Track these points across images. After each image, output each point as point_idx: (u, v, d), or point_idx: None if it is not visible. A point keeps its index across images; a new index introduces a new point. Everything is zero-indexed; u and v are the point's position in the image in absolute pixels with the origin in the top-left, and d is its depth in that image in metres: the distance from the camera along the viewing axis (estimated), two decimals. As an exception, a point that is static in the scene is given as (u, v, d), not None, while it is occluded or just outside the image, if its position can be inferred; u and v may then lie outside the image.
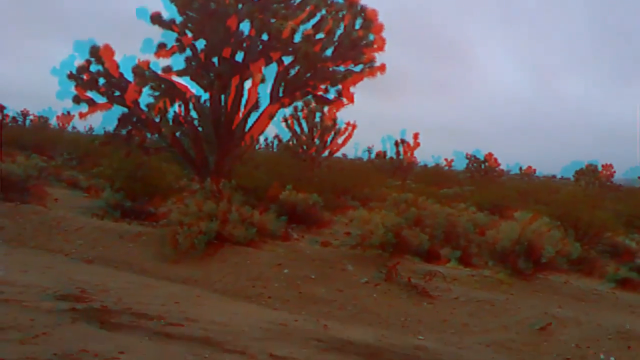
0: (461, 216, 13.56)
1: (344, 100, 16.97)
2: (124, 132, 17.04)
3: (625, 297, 10.14)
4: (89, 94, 16.60)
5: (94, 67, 16.45)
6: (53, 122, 51.96)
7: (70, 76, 16.43)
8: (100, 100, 16.66)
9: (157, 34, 16.53)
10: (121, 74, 16.57)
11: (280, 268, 10.23)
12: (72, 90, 16.56)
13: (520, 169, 57.91)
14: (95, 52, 16.37)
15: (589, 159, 50.43)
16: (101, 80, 16.47)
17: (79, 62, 16.63)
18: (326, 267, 10.33)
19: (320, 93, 16.89)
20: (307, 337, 6.88)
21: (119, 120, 16.92)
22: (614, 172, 47.56)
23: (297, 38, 15.98)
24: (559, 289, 10.43)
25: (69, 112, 46.25)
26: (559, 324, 8.24)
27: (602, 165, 46.30)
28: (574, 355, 7.55)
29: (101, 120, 18.87)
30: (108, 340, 5.82)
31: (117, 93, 16.56)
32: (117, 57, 16.65)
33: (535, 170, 58.43)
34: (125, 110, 16.72)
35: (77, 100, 16.56)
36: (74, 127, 51.45)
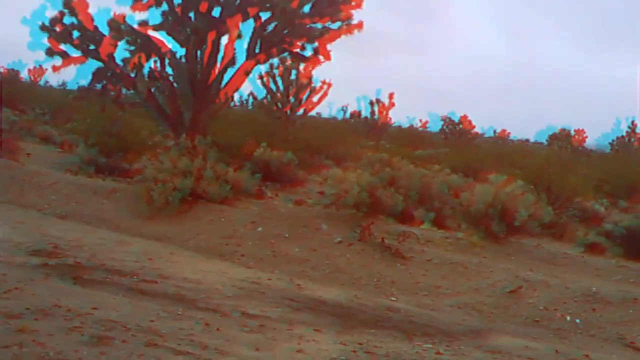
0: (435, 178, 13.58)
1: (321, 57, 16.85)
2: (98, 86, 16.78)
3: (593, 261, 10.30)
4: (63, 46, 16.30)
5: (67, 19, 16.08)
6: (24, 74, 51.04)
7: (43, 28, 16.08)
8: (74, 53, 16.34)
9: (133, -14, 16.24)
10: (96, 27, 16.26)
11: (254, 226, 10.25)
12: (45, 42, 16.23)
13: (495, 132, 58.31)
14: (69, 4, 16.02)
15: (563, 123, 50.86)
16: (75, 33, 16.14)
17: (51, 12, 16.29)
18: (300, 226, 10.36)
19: (296, 50, 16.74)
20: (280, 296, 6.92)
21: (94, 74, 16.64)
22: (586, 137, 48.11)
23: (275, -6, 15.79)
24: (531, 253, 10.58)
25: (41, 65, 45.80)
26: (529, 287, 8.37)
27: (575, 131, 46.78)
28: (542, 318, 7.68)
29: (75, 74, 18.63)
30: (81, 296, 5.82)
31: (92, 46, 16.25)
32: (92, 10, 16.29)
33: (509, 133, 58.88)
34: (100, 64, 16.43)
35: (50, 52, 16.24)
36: (46, 81, 50.50)
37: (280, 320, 5.93)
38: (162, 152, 14.88)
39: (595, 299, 7.97)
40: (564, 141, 43.65)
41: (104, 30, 16.11)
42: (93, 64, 16.49)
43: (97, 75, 16.64)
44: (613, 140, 45.68)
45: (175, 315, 5.59)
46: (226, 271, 8.06)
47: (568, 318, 7.64)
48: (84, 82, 17.24)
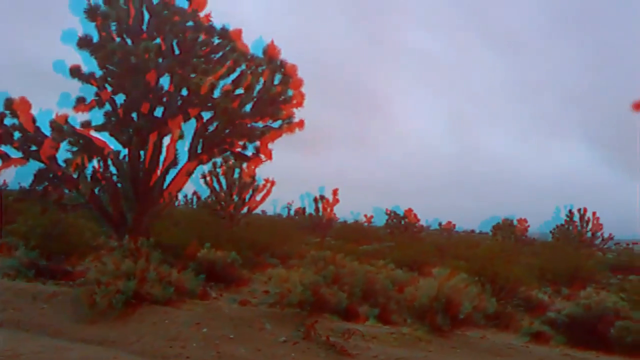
0: (380, 273, 13.70)
1: (262, 157, 17.11)
2: (40, 188, 16.67)
3: (537, 350, 10.39)
4: (3, 148, 16.24)
5: (8, 121, 16.11)
6: (-38, 176, 50.05)
7: (-18, 130, 16.06)
8: (15, 155, 16.30)
9: (75, 87, 16.39)
10: (37, 128, 16.29)
11: (199, 327, 10.13)
12: (-16, 143, 16.17)
13: (440, 224, 59.01)
14: (10, 105, 16.06)
15: (506, 213, 51.84)
16: (16, 135, 16.14)
17: (-9, 114, 16.30)
18: (245, 326, 10.27)
19: (238, 149, 16.99)
20: (225, 400, 6.83)
21: (35, 176, 16.56)
22: (529, 226, 49.03)
23: (217, 93, 16.11)
24: (476, 345, 10.61)
25: (-21, 166, 45.10)
26: (475, 380, 8.41)
27: (518, 220, 47.69)
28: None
29: (15, 176, 18.44)
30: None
31: (33, 148, 16.24)
32: (33, 111, 16.36)
33: (454, 225, 59.63)
34: (42, 165, 16.38)
35: (-10, 154, 16.18)
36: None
37: None
38: (105, 254, 14.71)
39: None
40: (507, 231, 44.48)
41: (46, 131, 16.14)
42: (34, 165, 16.44)
43: (38, 176, 16.56)
44: (554, 228, 46.79)
45: None
46: (170, 375, 7.93)
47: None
48: (25, 183, 17.11)
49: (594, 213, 46.45)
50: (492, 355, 10.05)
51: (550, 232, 46.83)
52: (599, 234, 46.46)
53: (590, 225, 46.27)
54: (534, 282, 17.68)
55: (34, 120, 16.31)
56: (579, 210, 46.25)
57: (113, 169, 16.65)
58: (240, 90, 16.31)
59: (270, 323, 10.44)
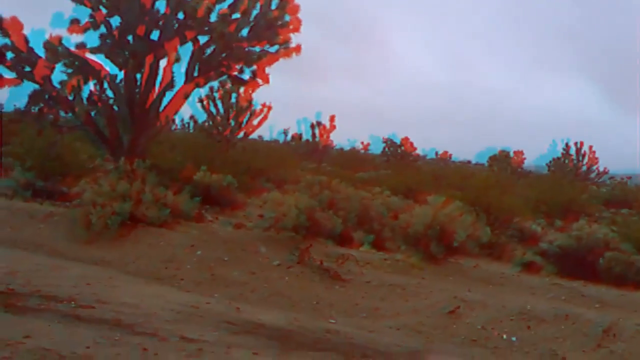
0: (375, 200, 13.73)
1: (259, 80, 16.99)
2: (35, 109, 16.55)
3: (529, 280, 10.54)
4: (-5, 68, 16.07)
5: (0, 41, 15.90)
6: (-45, 95, 49.65)
7: (-26, 49, 15.84)
8: (8, 75, 16.11)
9: (69, 8, 16.13)
10: (30, 49, 16.04)
11: (193, 250, 10.23)
12: (-24, 63, 15.97)
13: (436, 153, 59.10)
14: (1, 25, 15.81)
15: (503, 145, 51.81)
16: (9, 55, 15.93)
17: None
18: (239, 249, 10.37)
19: (235, 73, 16.83)
20: (219, 320, 6.91)
21: (30, 96, 16.40)
22: (525, 158, 49.10)
23: (213, 17, 15.86)
24: (469, 273, 10.75)
25: (-27, 87, 44.69)
26: (467, 307, 8.53)
27: (514, 152, 47.70)
28: (480, 337, 7.85)
29: (9, 96, 18.30)
30: (13, 324, 5.71)
31: (27, 68, 16.03)
32: (25, 31, 16.09)
33: (451, 155, 59.73)
34: (36, 86, 16.23)
35: (-19, 74, 16.00)
36: (-22, 103, 49.26)
37: (218, 343, 5.92)
38: (101, 176, 14.73)
39: (530, 316, 8.18)
40: (503, 162, 44.45)
41: (40, 51, 15.94)
42: (28, 86, 16.27)
43: (33, 97, 16.40)
44: (550, 161, 46.88)
45: (113, 341, 5.53)
46: (165, 295, 8.00)
47: (504, 336, 7.83)
48: (20, 104, 16.98)
49: (590, 147, 46.53)
50: (484, 284, 10.19)
51: (546, 165, 46.97)
52: (594, 167, 46.58)
53: (586, 159, 46.37)
54: (528, 213, 17.82)
55: (26, 40, 16.04)
56: (575, 143, 46.28)
57: (109, 92, 16.51)
58: (236, 15, 16.06)
59: (264, 246, 10.54)
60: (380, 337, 7.43)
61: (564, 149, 46.33)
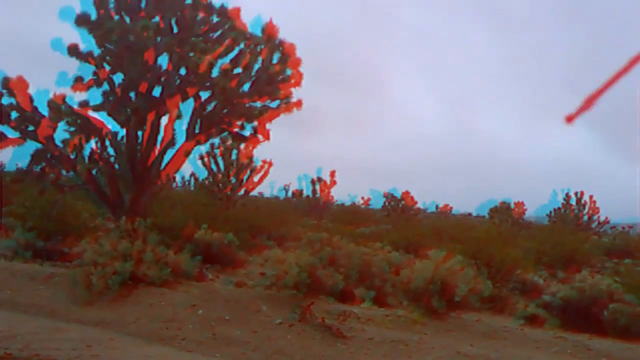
0: (376, 255, 13.73)
1: (260, 137, 17.10)
2: (37, 168, 16.64)
3: (532, 333, 10.45)
4: (0, 127, 16.21)
5: (5, 100, 16.01)
6: (-42, 156, 49.74)
7: (-21, 109, 16.00)
8: (12, 134, 16.25)
9: (73, 66, 16.28)
10: (35, 108, 16.21)
11: (195, 309, 10.18)
12: (-19, 123, 16.11)
13: (437, 207, 58.97)
14: (7, 84, 15.97)
15: (504, 196, 51.77)
16: (13, 114, 16.09)
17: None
18: (240, 308, 10.32)
19: (236, 129, 16.95)
20: (220, 381, 6.87)
21: (32, 156, 16.49)
22: (526, 209, 49.01)
23: (215, 73, 16.03)
24: (471, 327, 10.67)
25: (-23, 147, 44.90)
26: (469, 363, 8.46)
27: (515, 203, 47.65)
28: (483, 394, 7.77)
29: (11, 156, 18.43)
30: (13, 390, 5.68)
31: (31, 128, 16.17)
32: (31, 90, 16.26)
33: (451, 208, 59.55)
34: (39, 145, 16.35)
35: (-14, 134, 16.13)
36: (-18, 163, 49.42)
37: (220, 406, 5.88)
38: (102, 235, 14.74)
39: (534, 372, 8.11)
40: (504, 214, 44.42)
41: (44, 110, 16.09)
42: (31, 146, 16.38)
43: (35, 157, 16.50)
44: (550, 212, 46.84)
45: (112, 405, 5.50)
46: (167, 356, 7.96)
47: (508, 393, 7.75)
48: (22, 164, 17.07)
49: (590, 196, 46.49)
50: (487, 338, 10.11)
51: (547, 215, 46.88)
52: (595, 217, 46.51)
53: (586, 209, 46.33)
54: (530, 265, 17.75)
55: (31, 100, 16.22)
56: (576, 193, 46.28)
57: (111, 150, 16.61)
58: (238, 70, 16.22)
59: (266, 305, 10.49)
60: (383, 395, 7.37)
61: (564, 199, 46.33)
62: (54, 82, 17.24)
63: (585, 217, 46.08)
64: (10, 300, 10.71)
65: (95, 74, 16.15)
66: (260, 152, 50.10)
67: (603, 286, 11.76)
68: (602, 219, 46.65)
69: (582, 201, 46.26)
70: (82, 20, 15.97)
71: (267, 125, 17.06)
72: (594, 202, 46.55)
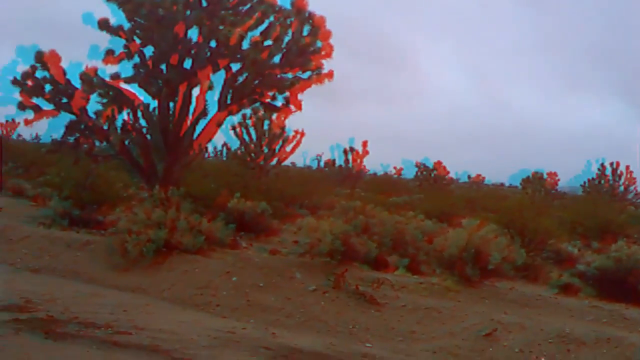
0: (409, 224, 13.67)
1: (292, 107, 17.07)
2: (71, 139, 16.82)
3: (566, 302, 10.35)
4: (35, 100, 16.35)
5: (39, 73, 16.19)
6: (-4, 129, 50.41)
7: (15, 82, 16.15)
8: (47, 106, 16.42)
9: (104, 40, 16.39)
10: (68, 81, 16.37)
11: (229, 276, 10.23)
12: (16, 96, 16.29)
13: (469, 177, 58.64)
14: (41, 58, 16.13)
15: (536, 167, 51.24)
16: (47, 87, 16.25)
17: (22, 68, 16.43)
18: (274, 275, 10.36)
19: (267, 100, 16.94)
20: (256, 345, 6.91)
21: (67, 127, 16.70)
22: (559, 179, 48.55)
23: (245, 45, 15.99)
24: (505, 295, 10.60)
25: (13, 120, 45.46)
26: (504, 330, 8.41)
27: (548, 174, 47.19)
28: (518, 360, 7.74)
29: (47, 128, 18.63)
30: (53, 351, 5.77)
31: (64, 100, 16.34)
32: (64, 64, 16.45)
33: (484, 178, 59.17)
34: (73, 117, 16.50)
35: (21, 106, 16.28)
36: (19, 135, 50.07)
37: (255, 368, 5.92)
38: (135, 204, 14.87)
39: (569, 339, 8.03)
40: (537, 184, 44.00)
41: (76, 83, 16.23)
42: (65, 117, 16.57)
43: (70, 128, 16.69)
44: (584, 182, 46.30)
45: (150, 367, 5.56)
46: (201, 321, 8.03)
47: (543, 359, 7.71)
48: (57, 135, 17.26)
49: (627, 167, 45.78)
50: (521, 306, 10.04)
51: (581, 185, 46.34)
52: (632, 188, 45.88)
53: (622, 179, 45.71)
54: (564, 235, 17.54)
55: (64, 73, 16.38)
56: (611, 164, 45.60)
57: (143, 121, 16.71)
58: (269, 42, 16.15)
59: (300, 272, 10.52)
60: (417, 361, 7.37)
61: (599, 169, 45.70)
62: (85, 55, 17.35)
63: (622, 188, 45.46)
64: (49, 265, 10.89)
65: (126, 47, 16.24)
66: (293, 123, 50.04)
67: (640, 256, 11.59)
68: (639, 189, 46.03)
69: (618, 171, 45.61)
70: (111, -5, 16.04)
71: (299, 96, 17.02)
72: (631, 172, 45.87)
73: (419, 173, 47.45)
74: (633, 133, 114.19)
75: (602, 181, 45.30)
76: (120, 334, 6.62)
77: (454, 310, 9.27)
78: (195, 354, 6.18)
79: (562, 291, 11.87)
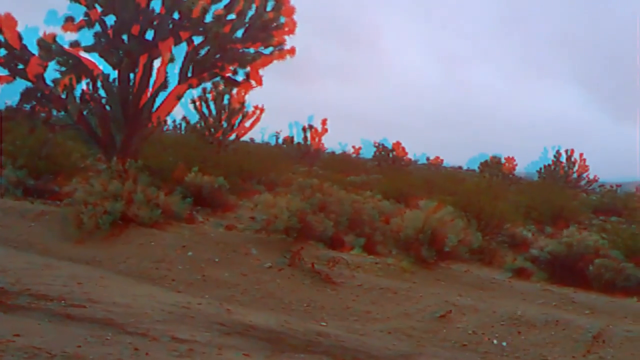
0: (366, 204, 13.74)
1: (252, 82, 16.98)
2: (27, 107, 16.50)
3: (519, 285, 10.55)
4: (-12, 65, 16.01)
5: (-7, 37, 15.84)
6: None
7: (-33, 46, 15.78)
8: (1, 72, 16.08)
9: (63, 5, 16.06)
10: (24, 46, 15.98)
11: (185, 250, 10.22)
12: (-31, 60, 15.90)
13: (428, 159, 59.10)
14: (-5, 21, 15.77)
15: (495, 152, 51.85)
16: (1, 51, 15.89)
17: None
18: (230, 251, 10.37)
19: (228, 74, 16.84)
20: (210, 321, 6.91)
21: (22, 94, 16.33)
22: (516, 165, 49.14)
23: (208, 18, 15.84)
24: (460, 278, 10.75)
25: (-35, 84, 44.44)
26: (458, 312, 8.56)
27: (505, 158, 47.74)
28: (471, 341, 7.88)
29: (1, 94, 18.24)
30: (3, 322, 5.68)
31: (20, 66, 15.99)
32: (19, 28, 16.02)
33: (442, 160, 59.71)
34: (29, 84, 16.18)
35: (-26, 71, 15.94)
36: (-29, 100, 48.92)
37: (210, 344, 5.92)
38: (92, 176, 14.71)
39: (521, 322, 8.23)
40: (495, 168, 44.51)
41: (33, 49, 15.87)
42: (21, 84, 16.21)
43: (25, 95, 16.34)
44: (540, 169, 47.02)
45: (104, 340, 5.52)
46: (156, 295, 8.00)
47: (495, 341, 7.87)
48: (12, 102, 16.91)
49: (580, 154, 46.67)
50: (475, 289, 10.20)
51: (537, 171, 47.05)
52: (584, 175, 46.73)
53: (576, 167, 46.50)
54: (519, 219, 17.84)
55: (20, 38, 15.99)
56: (566, 151, 46.40)
57: (102, 91, 16.46)
58: (232, 16, 16.02)
59: (256, 248, 10.53)
60: (371, 341, 7.45)
61: (555, 156, 46.46)
62: (42, 20, 16.96)
63: (575, 175, 46.29)
64: (1, 236, 10.72)
65: (86, 14, 15.87)
66: (253, 98, 49.85)
67: (590, 242, 11.85)
68: (591, 177, 46.90)
69: (572, 159, 46.42)
70: (72, -39, 15.71)
71: (260, 72, 16.95)
72: (584, 160, 46.77)
73: (377, 153, 47.60)
74: (590, 121, 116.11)
75: (557, 168, 46.06)
76: (74, 307, 6.56)
77: (410, 291, 9.38)
78: (150, 328, 6.15)
79: (515, 275, 12.10)
